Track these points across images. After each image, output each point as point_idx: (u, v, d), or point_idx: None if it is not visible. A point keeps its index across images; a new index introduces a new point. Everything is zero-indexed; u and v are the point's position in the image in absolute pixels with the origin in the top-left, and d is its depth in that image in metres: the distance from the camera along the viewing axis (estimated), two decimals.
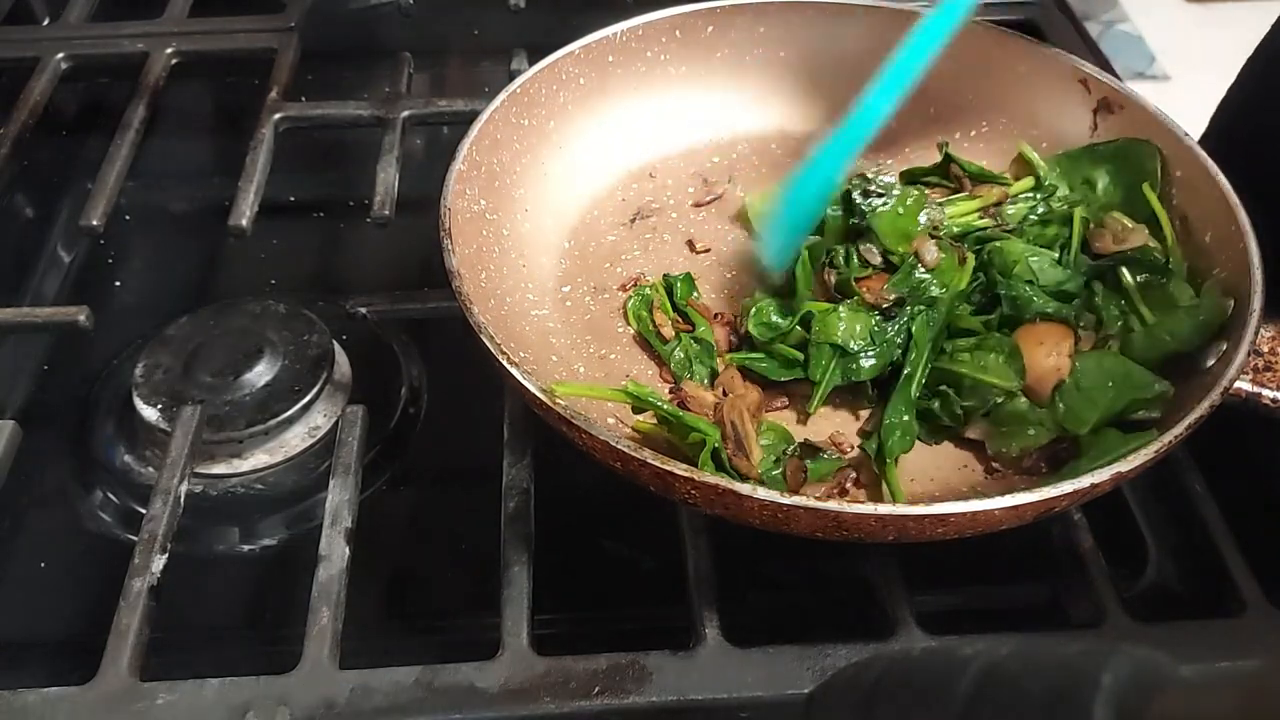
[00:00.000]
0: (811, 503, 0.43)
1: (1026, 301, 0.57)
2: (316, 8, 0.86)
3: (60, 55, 0.81)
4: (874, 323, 0.56)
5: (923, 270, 0.57)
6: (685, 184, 0.70)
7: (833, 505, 0.43)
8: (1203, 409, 0.48)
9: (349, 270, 0.76)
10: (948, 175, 0.67)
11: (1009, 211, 0.63)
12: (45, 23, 0.88)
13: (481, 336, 0.50)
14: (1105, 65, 0.79)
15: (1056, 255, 0.60)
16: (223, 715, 0.44)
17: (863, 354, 0.55)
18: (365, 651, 0.47)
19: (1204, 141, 0.63)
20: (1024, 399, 0.54)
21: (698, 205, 0.68)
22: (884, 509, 0.43)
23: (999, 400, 0.54)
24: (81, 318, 0.61)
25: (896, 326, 0.56)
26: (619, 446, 0.45)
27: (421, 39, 0.89)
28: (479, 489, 0.54)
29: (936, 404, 0.55)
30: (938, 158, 0.68)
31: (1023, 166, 0.68)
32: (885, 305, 0.56)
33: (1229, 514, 0.52)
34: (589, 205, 0.68)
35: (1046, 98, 0.67)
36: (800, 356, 0.56)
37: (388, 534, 0.57)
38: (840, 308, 0.56)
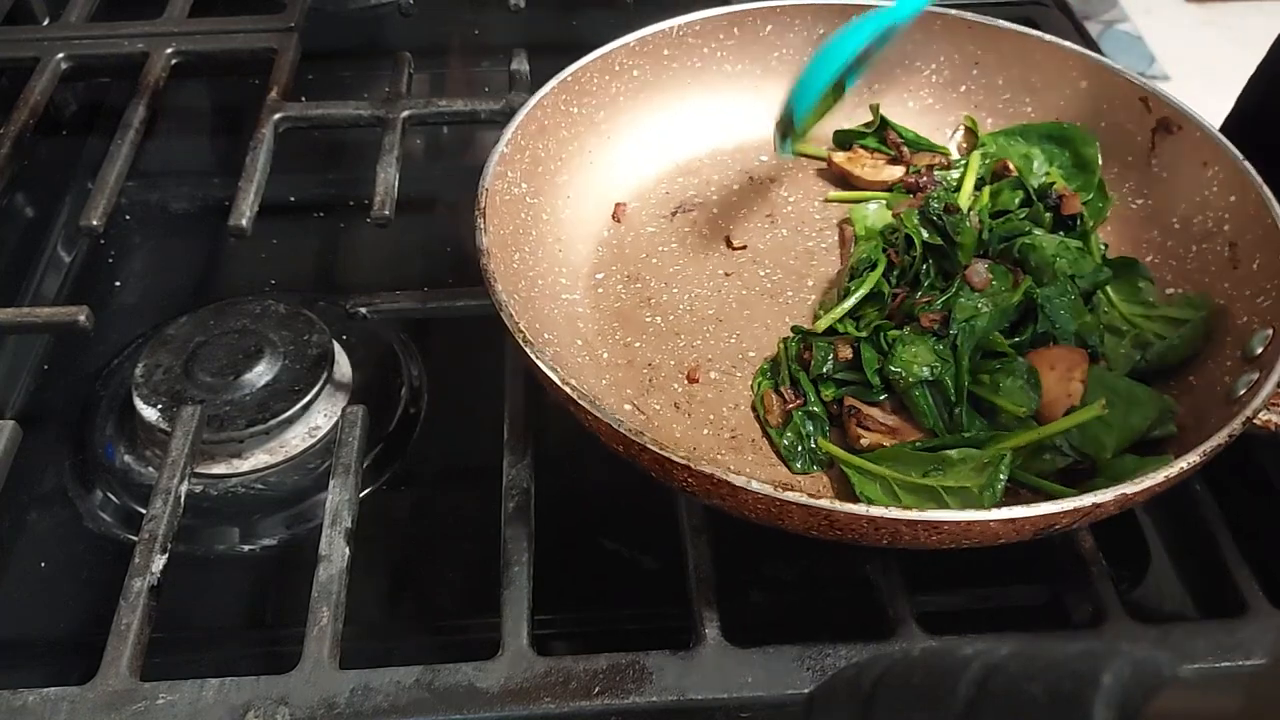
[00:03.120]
0: (804, 499, 0.43)
1: (1061, 320, 0.57)
2: (316, 8, 0.86)
3: (60, 55, 0.81)
4: (932, 344, 0.56)
5: (972, 291, 0.57)
6: (731, 181, 0.70)
7: (825, 503, 0.43)
8: (1220, 438, 0.47)
9: (349, 270, 0.76)
10: (884, 141, 0.71)
11: (952, 176, 0.68)
12: (45, 23, 0.88)
13: (501, 313, 0.50)
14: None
15: (1079, 243, 0.61)
16: (223, 715, 0.44)
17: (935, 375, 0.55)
18: (365, 651, 0.47)
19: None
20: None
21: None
22: (876, 510, 0.43)
23: (1014, 423, 0.54)
24: (81, 318, 0.61)
25: (944, 345, 0.56)
26: (621, 430, 0.45)
27: (421, 39, 0.89)
28: (479, 489, 0.54)
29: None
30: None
31: (968, 139, 0.71)
32: (936, 326, 0.56)
33: (1229, 514, 0.53)
34: (632, 195, 0.68)
35: (1107, 114, 0.67)
36: (878, 383, 0.56)
37: (388, 534, 0.57)
38: (902, 344, 0.56)
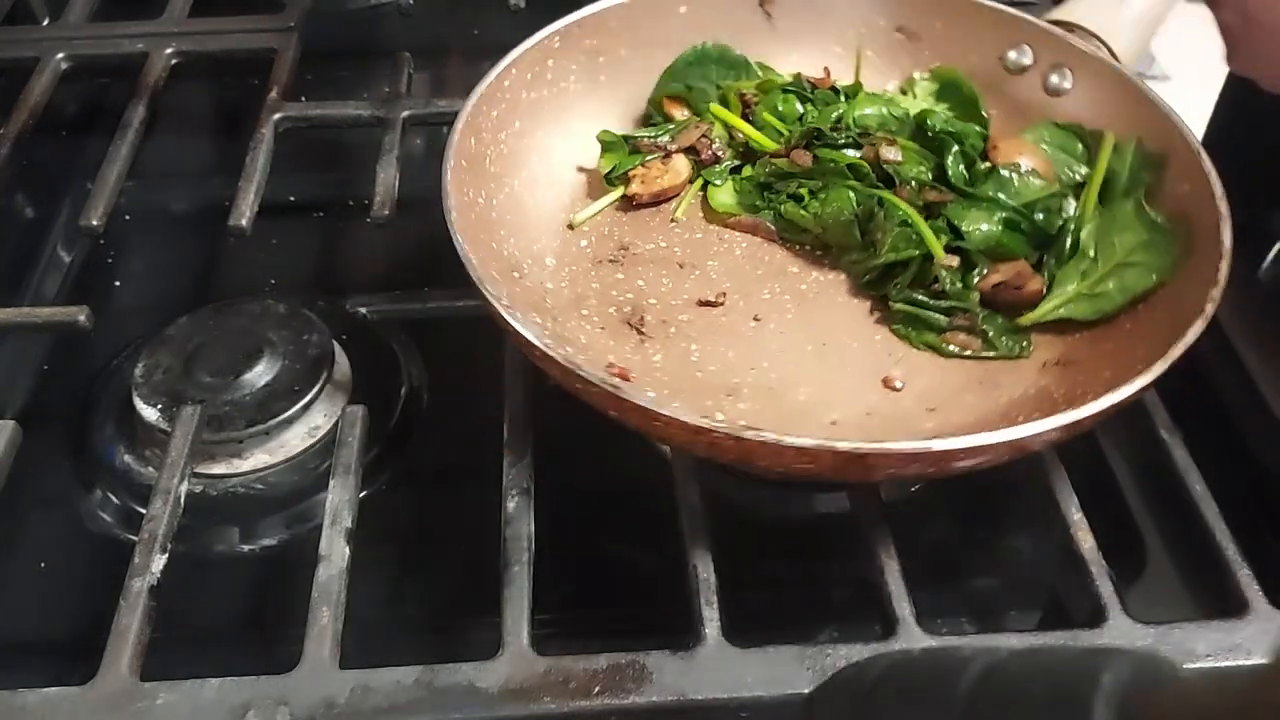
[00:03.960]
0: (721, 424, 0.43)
1: (965, 131, 0.65)
2: (316, 8, 0.86)
3: (60, 55, 0.81)
4: (964, 205, 0.61)
5: (903, 165, 0.63)
6: (608, 273, 0.63)
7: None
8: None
9: (349, 270, 0.76)
10: (640, 150, 0.67)
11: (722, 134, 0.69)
12: (45, 23, 0.88)
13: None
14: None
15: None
16: (223, 715, 0.44)
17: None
18: (365, 651, 0.47)
19: (1206, 137, 0.64)
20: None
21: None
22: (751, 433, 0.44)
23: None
24: (81, 318, 0.61)
25: (964, 200, 0.61)
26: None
27: (421, 39, 0.89)
28: (479, 489, 0.54)
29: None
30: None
31: (680, 105, 0.71)
32: (943, 194, 0.61)
33: (1229, 514, 0.52)
34: (605, 351, 0.59)
35: (720, 18, 0.71)
36: (981, 258, 0.60)
37: (388, 534, 0.57)
38: (959, 219, 0.60)
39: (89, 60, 0.82)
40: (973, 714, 0.27)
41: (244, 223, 0.68)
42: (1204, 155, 0.58)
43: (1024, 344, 0.59)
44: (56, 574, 0.56)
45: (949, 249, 0.59)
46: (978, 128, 0.66)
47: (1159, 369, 0.48)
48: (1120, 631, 0.48)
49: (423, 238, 0.58)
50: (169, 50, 0.81)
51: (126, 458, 0.59)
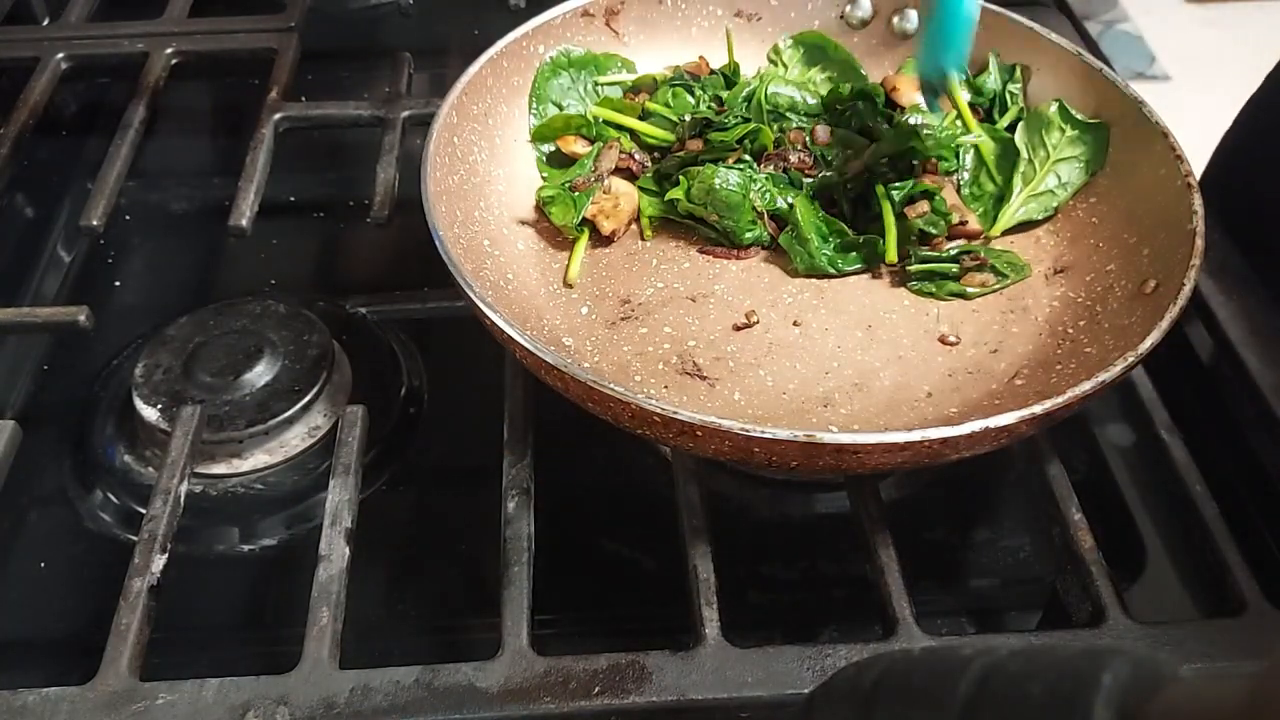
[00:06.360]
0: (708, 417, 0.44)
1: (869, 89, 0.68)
2: (316, 8, 0.86)
3: (60, 55, 0.81)
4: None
5: (831, 152, 0.65)
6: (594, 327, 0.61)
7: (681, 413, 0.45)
8: None
9: (349, 270, 0.76)
10: (578, 188, 0.65)
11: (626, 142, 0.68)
12: (45, 23, 0.88)
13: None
14: (1105, 65, 0.79)
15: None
16: (223, 715, 0.44)
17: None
18: (365, 651, 0.47)
19: (1205, 178, 0.63)
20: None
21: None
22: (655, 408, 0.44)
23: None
24: (81, 318, 0.61)
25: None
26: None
27: (421, 39, 0.89)
28: (479, 489, 0.54)
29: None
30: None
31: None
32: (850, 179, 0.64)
33: (1229, 514, 0.52)
34: (634, 358, 0.58)
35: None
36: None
37: (388, 534, 0.57)
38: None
39: (89, 60, 0.82)
40: (972, 714, 0.27)
41: (244, 223, 0.68)
42: (1083, 53, 0.66)
43: (1023, 263, 0.62)
44: (56, 574, 0.56)
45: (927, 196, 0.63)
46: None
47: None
48: (1120, 631, 0.48)
49: (423, 238, 0.58)
50: (169, 50, 0.81)
51: (126, 458, 0.59)
